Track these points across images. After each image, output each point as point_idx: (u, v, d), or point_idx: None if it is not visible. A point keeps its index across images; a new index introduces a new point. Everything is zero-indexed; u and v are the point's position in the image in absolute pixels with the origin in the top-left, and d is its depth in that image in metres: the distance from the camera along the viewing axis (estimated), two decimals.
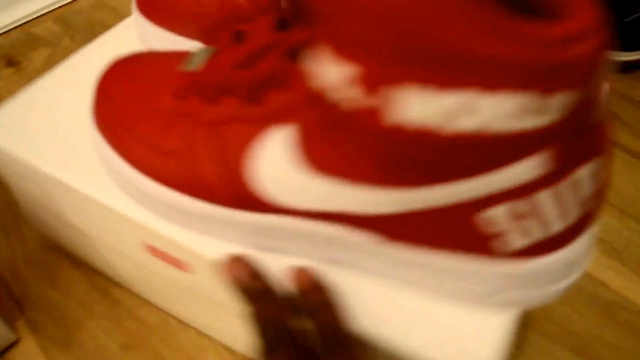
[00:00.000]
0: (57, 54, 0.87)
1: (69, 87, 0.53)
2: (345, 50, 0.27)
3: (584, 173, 0.30)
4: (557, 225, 0.32)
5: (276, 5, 0.51)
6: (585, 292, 0.57)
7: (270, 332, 0.36)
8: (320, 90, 0.30)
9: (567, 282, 0.36)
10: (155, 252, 0.45)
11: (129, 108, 0.41)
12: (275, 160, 0.34)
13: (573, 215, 0.32)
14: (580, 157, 0.29)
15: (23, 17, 0.92)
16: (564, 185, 0.30)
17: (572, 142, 0.28)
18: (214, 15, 0.52)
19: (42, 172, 0.46)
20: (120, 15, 0.94)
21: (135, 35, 0.59)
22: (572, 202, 0.31)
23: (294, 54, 0.33)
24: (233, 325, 0.48)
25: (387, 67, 0.26)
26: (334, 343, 0.35)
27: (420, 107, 0.26)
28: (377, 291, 0.39)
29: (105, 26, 0.91)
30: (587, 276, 0.58)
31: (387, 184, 0.31)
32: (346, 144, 0.31)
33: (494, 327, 0.37)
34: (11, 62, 0.86)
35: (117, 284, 0.58)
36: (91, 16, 0.94)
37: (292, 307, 0.38)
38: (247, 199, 0.37)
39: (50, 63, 0.85)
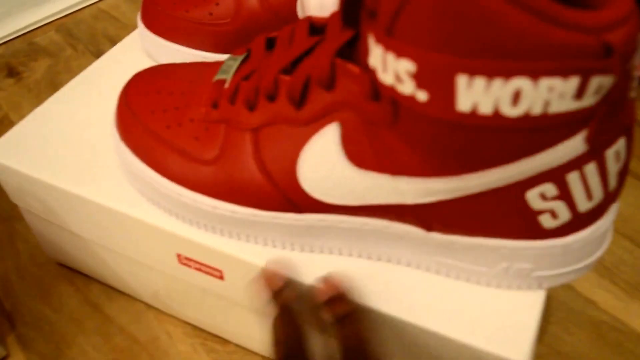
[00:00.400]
0: (59, 64, 0.87)
1: (80, 104, 0.54)
2: (403, 46, 0.29)
3: (612, 152, 0.32)
4: (588, 204, 0.34)
5: (292, 12, 0.52)
6: (574, 312, 0.57)
7: (286, 348, 0.36)
8: (367, 88, 0.32)
9: (594, 258, 0.38)
10: (188, 261, 0.46)
11: (159, 121, 0.42)
12: (320, 159, 0.36)
13: (600, 194, 0.34)
14: (611, 137, 0.31)
15: (25, 27, 0.93)
16: (596, 164, 0.32)
17: (606, 122, 0.30)
18: (228, 26, 0.53)
19: (64, 191, 0.47)
20: (123, 25, 0.94)
21: (141, 48, 0.60)
22: (599, 181, 0.33)
23: (336, 56, 0.35)
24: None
25: (443, 59, 0.28)
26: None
27: (472, 96, 0.28)
28: (413, 281, 0.40)
29: (108, 36, 0.92)
30: (577, 295, 0.58)
31: (436, 174, 0.33)
32: (393, 139, 0.33)
33: (524, 311, 0.38)
34: (12, 72, 0.86)
35: (110, 299, 0.59)
36: (93, 26, 0.95)
37: (316, 320, 0.38)
38: (291, 200, 0.38)
39: (52, 73, 0.86)
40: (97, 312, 0.58)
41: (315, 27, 0.39)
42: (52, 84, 0.84)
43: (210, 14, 0.53)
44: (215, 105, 0.40)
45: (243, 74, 0.40)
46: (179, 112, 0.42)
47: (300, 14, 0.51)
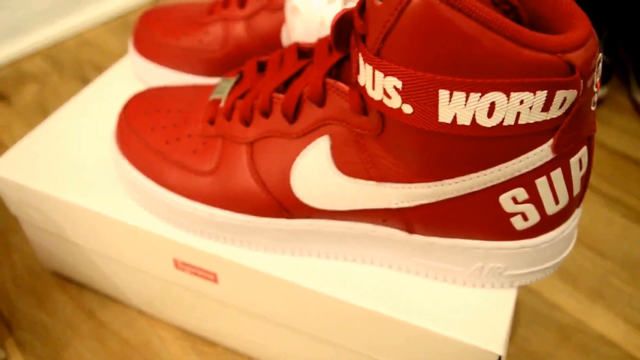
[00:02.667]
0: (46, 90, 0.90)
1: (77, 125, 0.57)
2: (390, 65, 0.32)
3: (576, 159, 0.36)
4: (555, 207, 0.37)
5: (277, 39, 0.55)
6: (541, 314, 0.60)
7: None
8: (356, 104, 0.36)
9: (560, 258, 0.42)
10: (184, 266, 0.48)
11: (158, 137, 0.46)
12: (312, 168, 0.39)
13: (566, 198, 0.37)
14: (574, 146, 0.35)
15: (13, 54, 0.96)
16: (561, 171, 0.35)
17: (570, 132, 0.34)
18: (217, 52, 0.57)
19: (64, 202, 0.50)
20: (106, 53, 0.97)
21: (131, 75, 0.63)
22: (565, 186, 0.36)
23: (326, 75, 0.38)
24: (261, 334, 0.52)
25: (426, 76, 0.31)
26: None
27: (452, 108, 0.32)
28: (396, 282, 0.43)
29: (92, 64, 0.95)
30: (543, 300, 0.62)
31: (418, 180, 0.37)
32: (379, 149, 0.37)
33: (498, 308, 0.41)
34: (2, 97, 0.89)
35: (112, 300, 0.61)
36: (79, 54, 0.97)
37: None
38: (283, 207, 0.42)
39: (40, 98, 0.88)
40: (91, 318, 0.60)
41: (303, 51, 0.43)
42: (41, 108, 0.86)
43: (200, 41, 0.57)
44: (212, 122, 0.44)
45: (238, 94, 0.43)
46: (177, 129, 0.45)
47: (286, 41, 0.55)
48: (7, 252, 0.66)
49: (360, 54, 0.34)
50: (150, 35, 0.59)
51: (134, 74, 0.63)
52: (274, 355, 0.54)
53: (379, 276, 0.44)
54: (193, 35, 0.57)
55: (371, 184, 0.38)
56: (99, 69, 0.94)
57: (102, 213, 0.48)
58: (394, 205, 0.39)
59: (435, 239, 0.40)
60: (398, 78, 0.32)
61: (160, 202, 0.46)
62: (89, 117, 0.58)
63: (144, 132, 0.46)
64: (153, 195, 0.46)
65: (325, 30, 0.48)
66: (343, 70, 0.39)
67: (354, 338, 0.45)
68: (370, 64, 0.33)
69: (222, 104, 0.44)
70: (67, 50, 0.99)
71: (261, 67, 0.46)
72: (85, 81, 0.91)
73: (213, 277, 0.47)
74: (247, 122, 0.42)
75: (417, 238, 0.40)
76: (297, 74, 0.41)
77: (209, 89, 0.47)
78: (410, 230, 0.40)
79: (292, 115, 0.39)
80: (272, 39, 0.55)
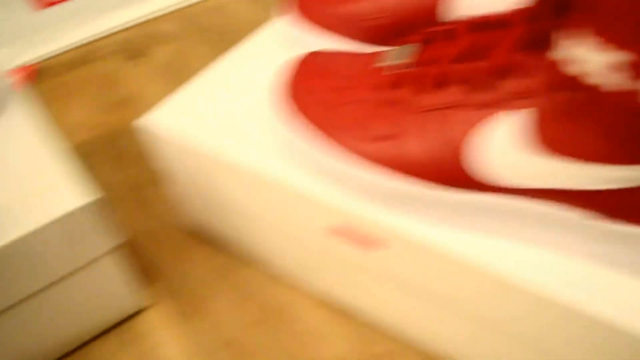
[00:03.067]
0: (180, 50, 0.91)
1: (228, 83, 0.57)
2: (615, 38, 0.30)
3: None
4: None
5: (432, 13, 0.55)
6: None
7: None
8: (548, 78, 0.35)
9: None
10: (340, 233, 0.48)
11: (328, 100, 0.45)
12: (502, 142, 0.38)
13: None
14: None
15: (148, 14, 0.98)
16: None
17: None
18: (383, 20, 0.56)
19: (218, 159, 0.50)
20: (240, 21, 0.98)
21: (275, 40, 0.63)
22: None
23: (526, 45, 0.37)
24: (417, 309, 0.51)
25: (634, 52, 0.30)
26: None
27: None
28: (576, 268, 0.41)
29: (224, 28, 0.96)
30: None
31: (618, 162, 0.35)
32: (587, 125, 0.35)
33: None
34: (136, 55, 0.90)
35: (246, 264, 0.61)
36: (211, 18, 0.99)
37: None
38: (462, 178, 0.40)
39: (173, 58, 0.90)
40: (232, 274, 0.60)
41: (480, 22, 0.42)
42: (174, 69, 0.88)
43: (366, 8, 0.56)
44: (384, 88, 0.43)
45: (414, 62, 0.42)
46: (346, 93, 0.45)
47: (454, 14, 0.54)
48: (143, 206, 0.68)
49: (562, 27, 0.33)
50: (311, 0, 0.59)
51: (287, 37, 0.62)
52: (416, 332, 0.53)
53: (554, 260, 0.41)
54: (355, 2, 0.57)
55: (556, 162, 0.37)
56: (231, 34, 0.95)
57: (260, 172, 0.48)
58: (579, 187, 0.37)
59: (618, 227, 0.38)
60: (604, 53, 0.31)
61: (323, 164, 0.45)
62: (239, 76, 0.58)
63: (313, 94, 0.46)
64: (316, 158, 0.45)
65: (500, 3, 0.47)
66: (536, 42, 0.37)
67: (518, 323, 0.43)
68: (573, 37, 0.32)
69: (394, 72, 0.43)
70: (201, 13, 1.00)
71: (434, 36, 0.44)
72: (217, 45, 0.92)
73: (371, 246, 0.47)
74: (421, 91, 0.41)
75: (599, 224, 0.39)
76: (481, 44, 0.40)
77: (378, 55, 0.47)
78: (593, 214, 0.38)
79: (474, 86, 0.38)
80: (440, 11, 0.55)
